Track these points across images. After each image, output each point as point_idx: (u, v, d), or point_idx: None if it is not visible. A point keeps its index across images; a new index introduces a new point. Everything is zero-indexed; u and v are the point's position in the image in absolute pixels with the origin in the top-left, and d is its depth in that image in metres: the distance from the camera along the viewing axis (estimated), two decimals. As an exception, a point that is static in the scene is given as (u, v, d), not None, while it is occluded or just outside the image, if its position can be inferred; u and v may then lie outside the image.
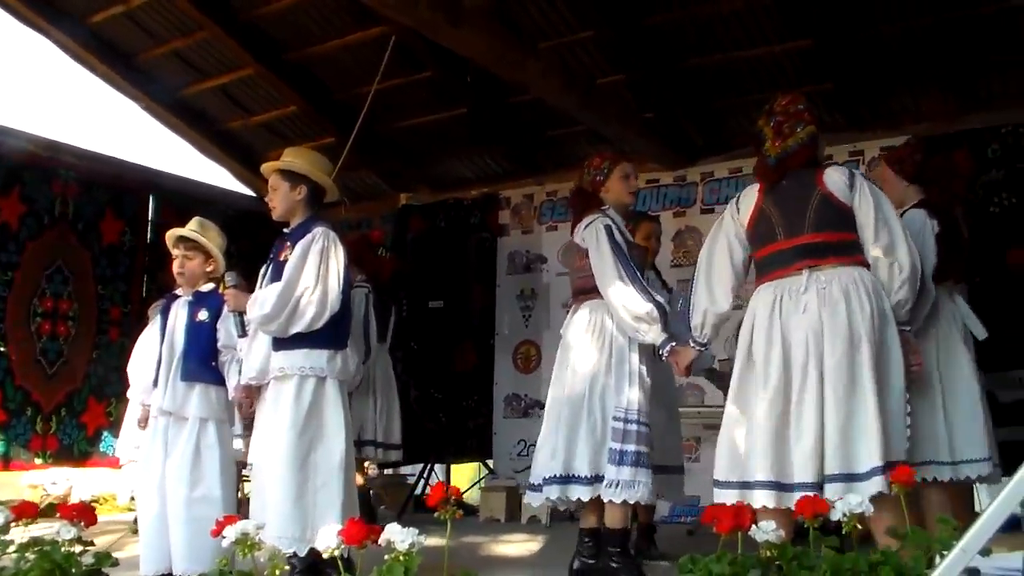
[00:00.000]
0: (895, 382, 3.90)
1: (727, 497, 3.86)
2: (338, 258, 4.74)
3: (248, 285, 4.93)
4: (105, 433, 8.69)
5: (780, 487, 3.81)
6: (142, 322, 7.94)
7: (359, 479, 6.30)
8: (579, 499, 4.83)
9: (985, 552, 2.45)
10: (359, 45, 8.47)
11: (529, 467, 8.63)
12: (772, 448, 3.85)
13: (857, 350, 3.85)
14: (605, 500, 4.78)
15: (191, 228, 5.27)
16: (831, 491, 3.68)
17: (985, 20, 6.80)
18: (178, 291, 5.35)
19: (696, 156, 8.56)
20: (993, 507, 2.37)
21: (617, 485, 4.71)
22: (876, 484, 3.64)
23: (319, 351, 4.68)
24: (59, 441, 8.37)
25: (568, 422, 4.89)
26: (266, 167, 5.02)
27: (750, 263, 4.34)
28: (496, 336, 9.42)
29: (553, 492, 4.85)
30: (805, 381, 3.88)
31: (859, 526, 3.15)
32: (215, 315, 5.11)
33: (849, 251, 4.06)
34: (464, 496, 7.59)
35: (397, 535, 2.70)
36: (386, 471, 9.30)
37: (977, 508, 5.47)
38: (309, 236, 4.73)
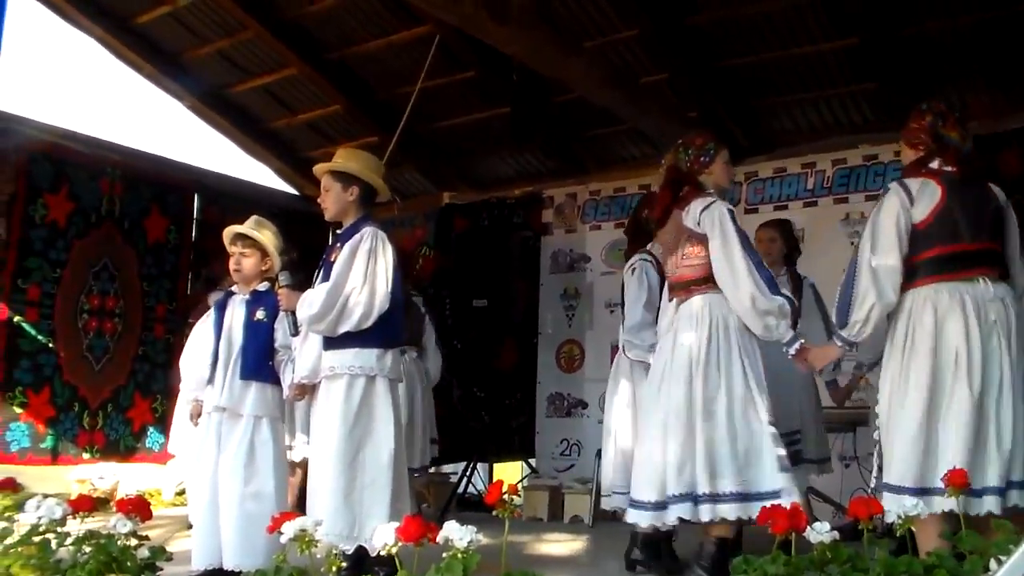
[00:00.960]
0: None
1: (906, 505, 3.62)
2: (387, 258, 4.77)
3: (300, 284, 4.97)
4: (151, 429, 8.76)
5: (971, 492, 3.71)
6: (187, 318, 7.99)
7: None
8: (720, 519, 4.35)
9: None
10: (403, 44, 8.50)
11: (572, 466, 8.77)
12: (970, 454, 3.82)
13: None
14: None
15: (249, 226, 5.30)
16: (1016, 496, 3.71)
17: (1032, 17, 6.74)
18: (234, 288, 5.39)
19: (740, 156, 8.48)
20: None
21: (788, 493, 4.26)
22: None
23: (369, 350, 4.72)
24: (105, 436, 8.44)
25: (706, 434, 4.38)
26: (319, 168, 5.05)
27: None
28: (539, 335, 9.42)
29: (691, 512, 4.34)
30: (1003, 386, 3.91)
31: (913, 528, 3.14)
32: (272, 314, 5.13)
33: (1003, 266, 4.16)
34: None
35: (456, 533, 2.72)
36: (429, 469, 9.33)
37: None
38: (358, 236, 4.77)
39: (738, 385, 4.43)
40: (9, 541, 3.59)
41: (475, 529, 2.77)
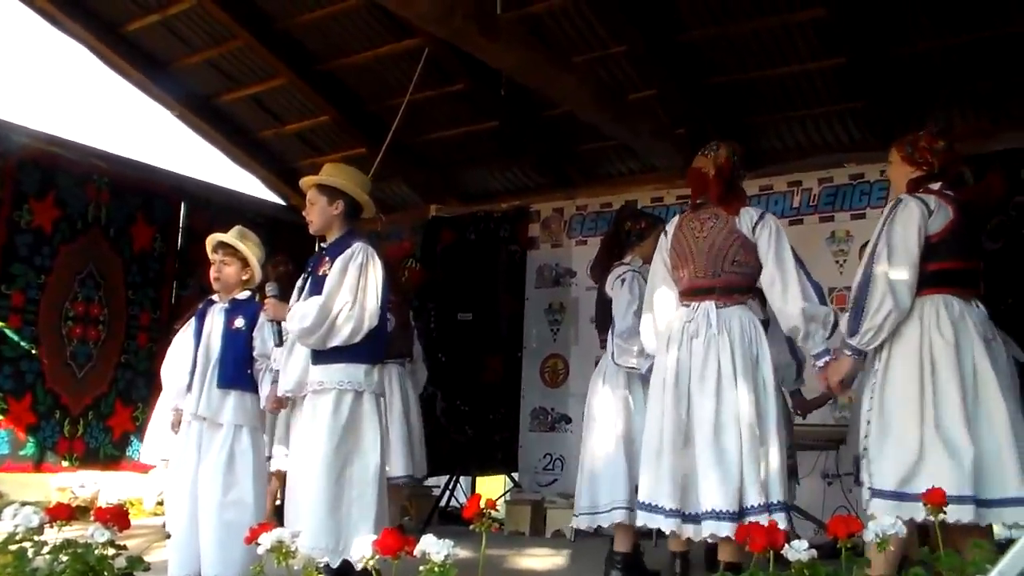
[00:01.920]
0: None
1: (893, 511, 3.72)
2: (376, 273, 4.79)
3: (284, 294, 4.97)
4: (132, 437, 8.72)
5: (978, 503, 3.81)
6: (171, 327, 7.98)
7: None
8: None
9: (1022, 577, 2.43)
10: (392, 57, 8.52)
11: (555, 480, 8.76)
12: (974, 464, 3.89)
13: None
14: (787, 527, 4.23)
15: (232, 235, 5.31)
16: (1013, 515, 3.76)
17: (1018, 39, 6.76)
18: (214, 297, 5.39)
19: (727, 173, 8.53)
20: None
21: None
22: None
23: (357, 365, 4.74)
24: (86, 444, 8.40)
25: (734, 445, 4.33)
26: (305, 181, 5.07)
27: None
28: (524, 349, 9.42)
29: (720, 528, 4.23)
30: (1010, 400, 4.01)
31: (891, 547, 3.14)
32: (251, 323, 5.14)
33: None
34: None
35: (432, 546, 2.71)
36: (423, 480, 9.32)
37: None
38: (349, 251, 4.78)
39: (774, 397, 4.46)
40: (-15, 549, 3.57)
41: (452, 543, 2.76)
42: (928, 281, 4.18)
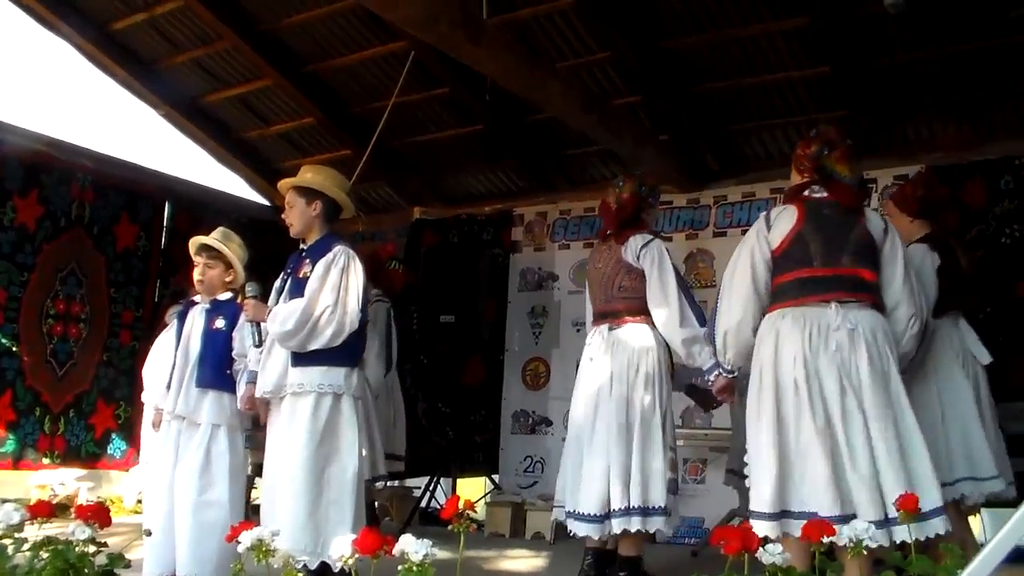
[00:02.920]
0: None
1: (771, 530, 3.76)
2: (357, 277, 4.82)
3: (265, 295, 4.99)
4: (113, 435, 8.71)
5: (844, 520, 3.65)
6: (154, 326, 7.99)
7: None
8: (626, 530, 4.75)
9: (990, 581, 2.46)
10: (378, 60, 8.56)
11: (535, 483, 8.78)
12: (833, 481, 3.78)
13: (893, 391, 3.94)
14: (651, 530, 4.79)
15: (215, 237, 5.32)
16: (901, 532, 3.64)
17: (1000, 51, 6.82)
18: (196, 298, 5.40)
19: (710, 179, 8.58)
20: (1000, 537, 2.40)
21: (670, 514, 4.77)
22: (942, 524, 3.74)
23: (337, 368, 4.77)
24: (66, 442, 8.38)
25: (622, 453, 4.79)
26: (283, 184, 5.10)
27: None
28: (506, 352, 9.44)
29: (621, 525, 4.74)
30: (847, 416, 3.85)
31: (864, 552, 3.18)
32: (231, 323, 5.16)
33: (875, 293, 4.11)
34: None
35: (411, 546, 2.73)
36: (391, 483, 9.32)
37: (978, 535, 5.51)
38: (330, 255, 4.81)
39: (653, 411, 4.85)
40: (-35, 546, 3.58)
41: (431, 543, 2.78)
42: (777, 296, 4.16)
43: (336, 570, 3.95)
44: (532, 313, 9.36)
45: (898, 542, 3.64)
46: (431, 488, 8.79)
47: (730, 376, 4.46)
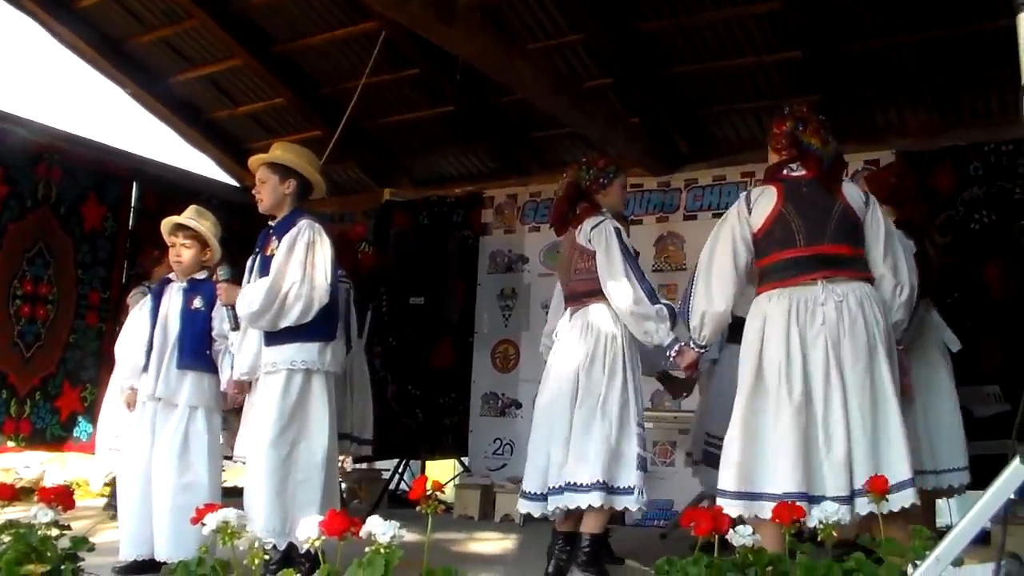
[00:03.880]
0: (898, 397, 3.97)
1: (738, 509, 3.81)
2: (324, 251, 4.75)
3: (238, 277, 4.94)
4: (79, 418, 8.63)
5: (809, 499, 3.75)
6: (121, 308, 7.91)
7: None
8: (579, 507, 4.70)
9: (958, 563, 2.48)
10: (348, 40, 8.51)
11: (504, 465, 8.79)
12: (801, 460, 3.82)
13: (877, 363, 3.94)
14: (618, 508, 4.77)
15: (189, 216, 5.27)
16: (863, 504, 3.72)
17: (970, 38, 6.86)
18: (171, 275, 5.36)
19: (681, 162, 8.58)
20: (968, 519, 2.41)
21: (640, 492, 4.71)
22: (909, 496, 3.76)
23: (310, 344, 4.71)
24: (32, 425, 8.30)
25: (581, 429, 4.77)
26: (255, 160, 5.03)
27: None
28: (475, 334, 9.43)
29: (563, 501, 4.72)
30: (829, 392, 3.89)
31: (834, 534, 3.19)
32: (210, 303, 5.13)
33: (860, 266, 4.13)
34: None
35: (378, 528, 2.72)
36: (360, 465, 9.30)
37: (947, 520, 5.57)
38: (295, 230, 4.74)
39: (617, 388, 4.79)
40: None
41: (398, 524, 2.77)
42: (763, 277, 4.20)
43: (303, 551, 3.94)
44: (502, 295, 9.35)
45: (862, 515, 3.72)
46: (400, 470, 8.78)
47: (700, 350, 4.48)
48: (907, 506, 3.73)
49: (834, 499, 3.69)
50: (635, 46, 7.77)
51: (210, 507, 3.01)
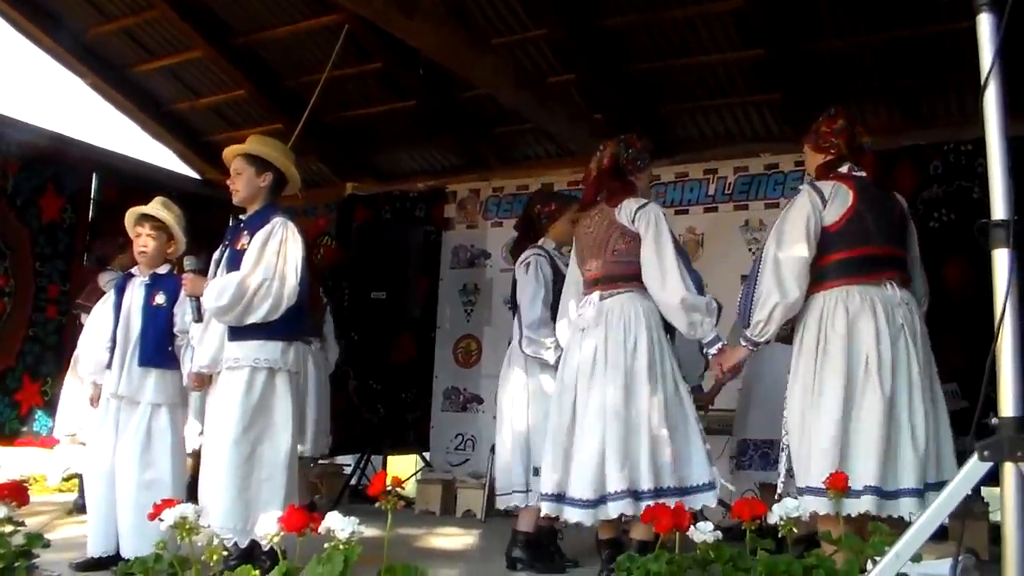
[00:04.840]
0: None
1: (826, 506, 3.77)
2: (296, 250, 4.71)
3: (204, 269, 4.90)
4: (38, 412, 8.53)
5: (883, 494, 3.82)
6: (94, 292, 7.81)
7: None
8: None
9: (916, 558, 2.49)
10: (310, 32, 8.44)
11: (466, 460, 8.79)
12: (884, 456, 3.89)
13: (932, 366, 4.12)
14: (697, 507, 4.34)
15: (155, 207, 5.22)
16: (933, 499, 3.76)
17: (931, 40, 6.91)
18: (133, 270, 5.31)
19: (643, 159, 8.58)
20: (927, 515, 2.42)
21: (717, 486, 4.46)
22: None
23: (274, 343, 4.67)
24: (-10, 419, 8.22)
25: (648, 429, 4.39)
26: (232, 150, 4.96)
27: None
28: (437, 329, 9.44)
29: (627, 508, 4.30)
30: (912, 391, 3.99)
31: (795, 529, 3.20)
32: (172, 299, 5.08)
33: (907, 270, 4.29)
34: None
35: (338, 523, 2.71)
36: (321, 460, 9.27)
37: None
38: (268, 227, 4.70)
39: (670, 382, 4.49)
40: None
41: (357, 520, 2.76)
42: (830, 273, 4.19)
43: (265, 548, 3.91)
44: (464, 291, 9.35)
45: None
46: (362, 466, 8.75)
47: (753, 348, 4.36)
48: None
49: (910, 492, 3.83)
50: (598, 42, 7.77)
51: (168, 503, 2.98)
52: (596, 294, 4.68)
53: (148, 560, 3.09)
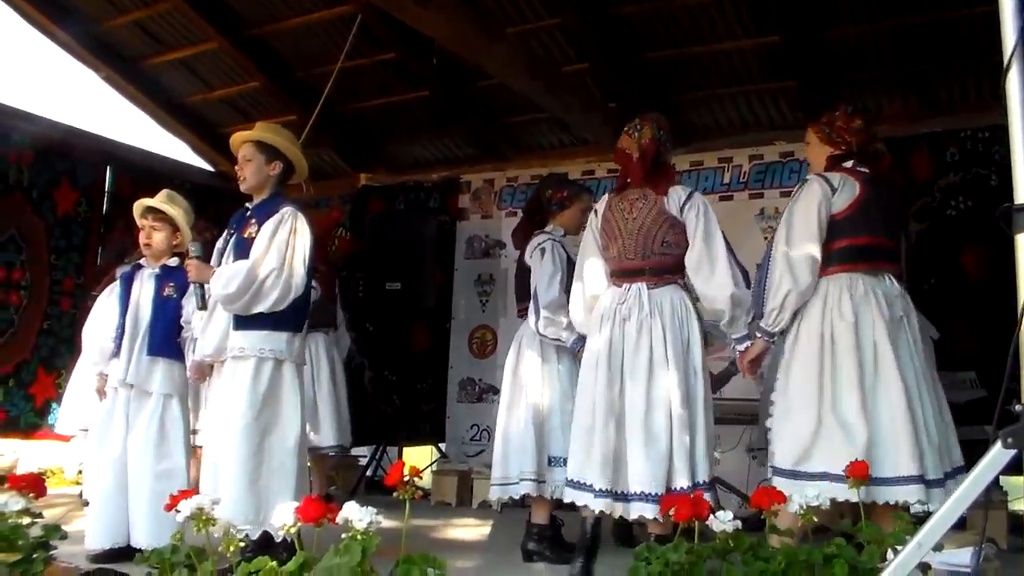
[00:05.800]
0: None
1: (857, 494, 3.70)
2: (305, 240, 4.69)
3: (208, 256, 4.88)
4: (54, 405, 8.54)
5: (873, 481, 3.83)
6: (98, 286, 7.82)
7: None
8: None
9: (938, 547, 2.47)
10: (324, 23, 8.43)
11: (482, 451, 8.77)
12: (913, 442, 3.91)
13: (931, 357, 4.26)
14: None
15: (160, 200, 5.22)
16: (953, 486, 3.75)
17: (948, 25, 6.87)
18: (142, 261, 5.30)
19: (658, 148, 8.55)
20: (949, 504, 2.40)
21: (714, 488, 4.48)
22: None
23: (279, 333, 4.65)
24: (6, 412, 8.22)
25: (664, 429, 4.31)
26: (240, 136, 4.94)
27: None
28: (452, 320, 9.44)
29: (647, 510, 4.21)
30: (919, 380, 4.03)
31: (815, 519, 3.18)
32: (182, 291, 5.08)
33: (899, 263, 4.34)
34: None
35: (355, 514, 2.69)
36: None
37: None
38: (277, 216, 4.68)
39: (703, 380, 4.44)
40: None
41: (375, 511, 2.75)
42: (834, 259, 4.21)
43: (278, 539, 3.90)
44: (479, 281, 9.34)
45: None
46: (378, 457, 8.75)
47: (770, 340, 4.33)
48: None
49: (933, 481, 3.86)
50: (612, 31, 7.73)
51: (184, 494, 2.98)
52: (641, 285, 4.54)
53: (165, 551, 3.08)
